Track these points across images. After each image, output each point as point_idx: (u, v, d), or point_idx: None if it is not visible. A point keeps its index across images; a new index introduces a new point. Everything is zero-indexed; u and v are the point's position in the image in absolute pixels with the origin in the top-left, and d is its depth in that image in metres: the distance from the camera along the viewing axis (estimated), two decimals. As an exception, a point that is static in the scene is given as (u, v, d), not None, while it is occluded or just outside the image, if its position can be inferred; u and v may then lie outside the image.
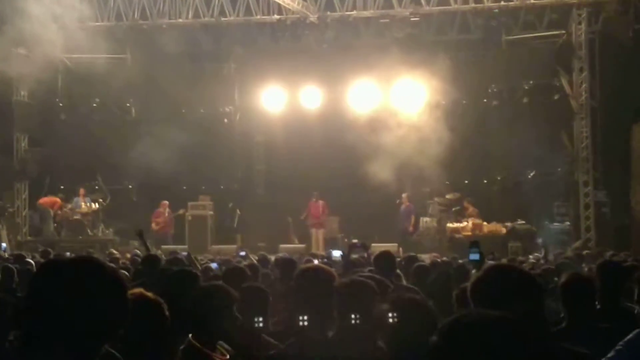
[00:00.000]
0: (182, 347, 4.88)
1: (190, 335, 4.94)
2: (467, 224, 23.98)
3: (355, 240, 20.78)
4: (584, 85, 24.05)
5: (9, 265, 9.61)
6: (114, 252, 19.36)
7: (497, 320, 2.49)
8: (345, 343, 4.58)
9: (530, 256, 18.32)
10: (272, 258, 15.21)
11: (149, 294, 4.58)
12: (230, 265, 10.46)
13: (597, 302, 5.89)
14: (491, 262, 7.18)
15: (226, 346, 5.06)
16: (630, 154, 24.00)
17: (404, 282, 8.64)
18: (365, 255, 11.88)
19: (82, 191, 25.15)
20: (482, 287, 3.67)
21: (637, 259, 13.79)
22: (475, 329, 2.44)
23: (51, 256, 14.56)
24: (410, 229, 24.61)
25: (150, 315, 4.49)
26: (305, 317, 4.64)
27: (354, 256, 11.73)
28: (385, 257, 8.95)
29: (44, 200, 25.44)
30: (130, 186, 27.33)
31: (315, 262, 11.18)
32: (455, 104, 24.90)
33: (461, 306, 4.55)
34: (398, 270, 9.14)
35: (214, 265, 14.04)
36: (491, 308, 3.29)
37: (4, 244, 21.84)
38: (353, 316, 4.57)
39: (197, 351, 4.85)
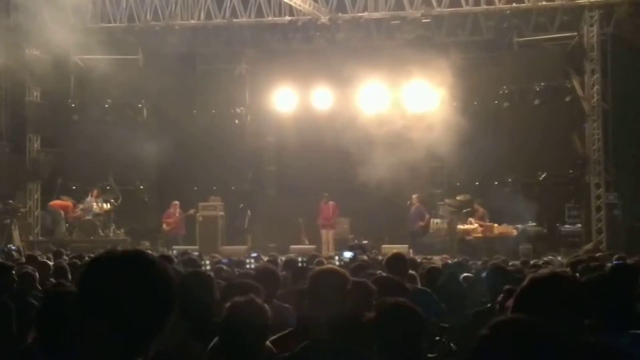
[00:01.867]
0: (214, 343, 4.93)
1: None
2: (476, 226, 23.94)
3: (355, 242, 20.86)
4: (595, 87, 23.99)
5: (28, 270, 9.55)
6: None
7: (545, 327, 2.58)
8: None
9: (544, 258, 18.27)
10: (282, 259, 15.26)
11: (258, 300, 4.69)
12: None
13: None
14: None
15: None
16: (642, 156, 23.97)
17: (419, 284, 8.63)
18: (365, 257, 11.92)
19: (96, 192, 25.20)
20: (536, 291, 3.63)
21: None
22: (524, 331, 2.53)
23: (64, 257, 14.61)
24: (422, 223, 24.50)
25: (260, 320, 4.59)
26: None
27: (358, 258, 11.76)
28: (397, 259, 8.96)
29: (55, 203, 25.50)
30: (141, 187, 27.39)
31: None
32: (466, 105, 24.89)
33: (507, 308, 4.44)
34: (413, 272, 9.15)
35: (224, 261, 14.15)
36: (538, 315, 3.31)
37: (12, 246, 21.92)
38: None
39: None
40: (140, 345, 2.52)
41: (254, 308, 4.65)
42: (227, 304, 4.77)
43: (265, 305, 4.74)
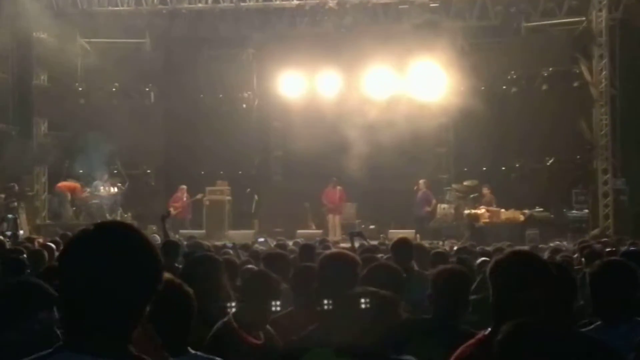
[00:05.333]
0: (218, 325, 4.91)
1: (231, 314, 4.99)
2: (482, 211, 23.91)
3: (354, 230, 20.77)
4: (603, 73, 23.89)
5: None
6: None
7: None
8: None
9: (551, 244, 18.26)
10: (290, 243, 15.30)
11: (177, 280, 4.47)
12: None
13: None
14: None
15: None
16: (650, 141, 23.88)
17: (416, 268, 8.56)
18: (365, 242, 12.03)
19: (104, 176, 25.26)
20: (500, 270, 3.73)
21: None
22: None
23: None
24: (428, 209, 24.44)
25: (180, 301, 4.46)
26: (330, 302, 4.67)
27: (356, 244, 11.79)
28: (403, 244, 8.96)
29: (63, 184, 25.52)
30: (148, 171, 27.42)
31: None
32: (474, 90, 24.77)
33: None
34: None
35: (228, 245, 14.24)
36: (507, 291, 3.43)
37: (21, 231, 21.97)
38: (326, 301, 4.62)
39: (232, 331, 4.89)
40: (131, 320, 2.41)
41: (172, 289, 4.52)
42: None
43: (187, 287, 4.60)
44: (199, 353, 4.25)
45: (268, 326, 5.34)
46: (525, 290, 3.54)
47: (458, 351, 3.79)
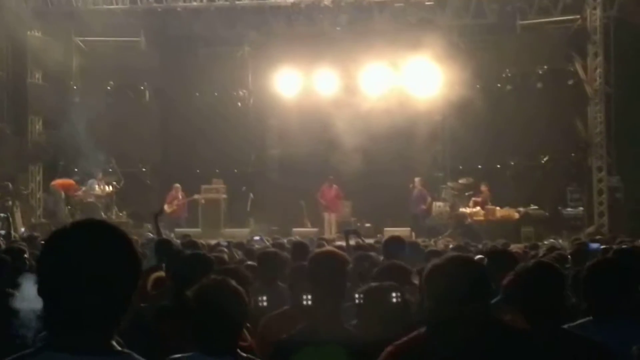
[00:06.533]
0: None
1: None
2: (478, 209, 23.92)
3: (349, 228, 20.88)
4: (598, 71, 23.92)
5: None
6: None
7: None
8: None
9: (546, 241, 18.28)
10: (285, 241, 15.29)
11: (232, 282, 4.43)
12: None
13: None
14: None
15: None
16: (645, 139, 23.92)
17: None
18: (361, 240, 12.07)
19: (99, 175, 25.21)
20: (435, 275, 3.72)
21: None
22: None
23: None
24: (424, 207, 24.46)
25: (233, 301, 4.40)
26: (309, 297, 4.69)
27: (352, 242, 11.83)
28: (395, 242, 8.96)
29: (58, 183, 25.48)
30: (144, 169, 27.39)
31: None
32: (469, 88, 24.78)
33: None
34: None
35: (223, 243, 14.27)
36: (443, 298, 3.49)
37: (22, 229, 21.92)
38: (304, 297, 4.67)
39: None
40: (115, 313, 2.41)
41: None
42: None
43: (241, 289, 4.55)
44: (249, 356, 4.28)
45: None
46: (457, 295, 3.55)
47: (388, 348, 3.77)
